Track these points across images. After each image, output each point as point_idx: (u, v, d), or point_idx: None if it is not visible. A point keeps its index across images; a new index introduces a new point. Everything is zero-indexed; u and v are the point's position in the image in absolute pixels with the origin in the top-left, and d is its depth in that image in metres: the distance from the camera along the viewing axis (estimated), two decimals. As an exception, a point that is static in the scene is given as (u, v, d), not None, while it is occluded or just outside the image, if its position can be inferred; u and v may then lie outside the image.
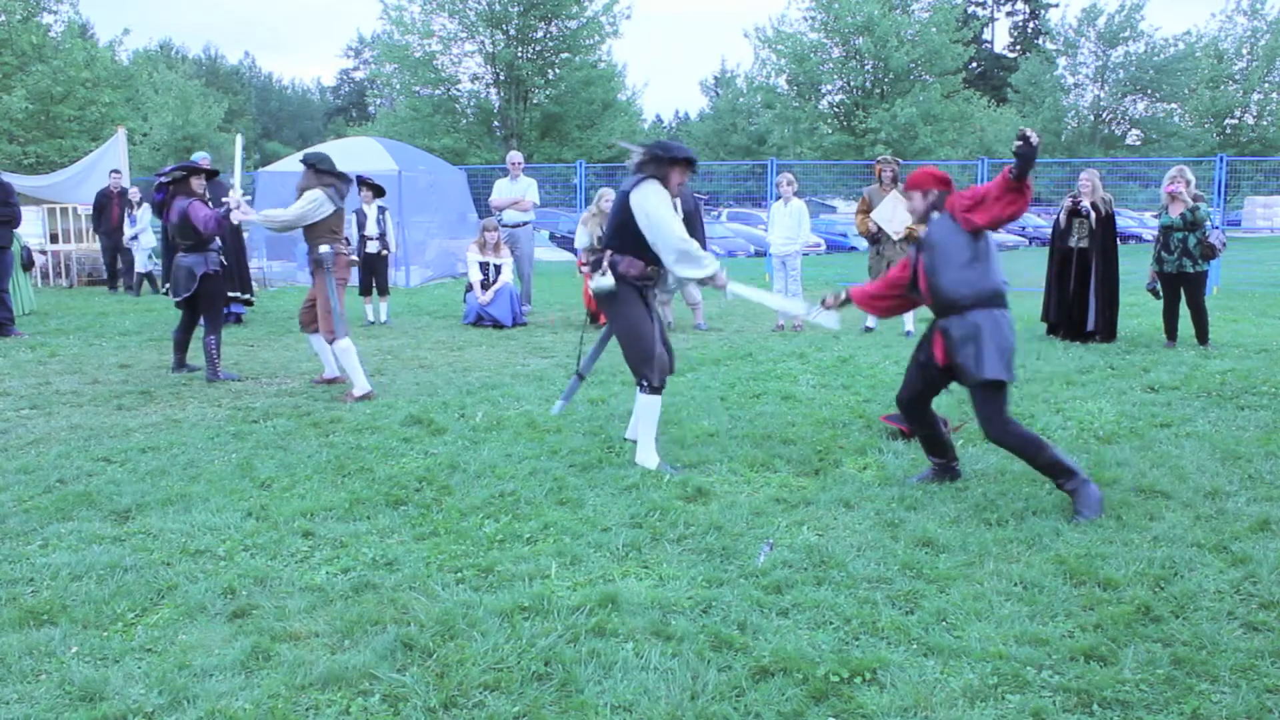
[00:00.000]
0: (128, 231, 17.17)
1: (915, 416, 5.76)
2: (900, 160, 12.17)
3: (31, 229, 17.62)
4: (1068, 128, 46.94)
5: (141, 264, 17.29)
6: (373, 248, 13.04)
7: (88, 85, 28.15)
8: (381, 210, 13.19)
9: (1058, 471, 5.22)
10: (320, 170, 8.13)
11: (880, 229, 11.25)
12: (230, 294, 12.66)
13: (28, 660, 3.63)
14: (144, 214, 16.96)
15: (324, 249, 8.12)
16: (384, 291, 13.23)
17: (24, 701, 3.36)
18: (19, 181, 18.61)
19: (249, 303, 12.84)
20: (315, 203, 8.00)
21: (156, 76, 48.95)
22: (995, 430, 5.28)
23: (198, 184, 8.96)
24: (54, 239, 19.65)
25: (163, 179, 8.99)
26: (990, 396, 5.25)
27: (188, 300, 8.99)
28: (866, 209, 11.49)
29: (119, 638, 3.81)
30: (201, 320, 9.09)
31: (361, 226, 13.04)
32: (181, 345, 9.31)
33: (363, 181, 12.88)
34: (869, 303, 6.07)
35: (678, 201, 6.19)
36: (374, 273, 13.09)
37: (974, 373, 5.23)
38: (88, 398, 8.13)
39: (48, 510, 5.27)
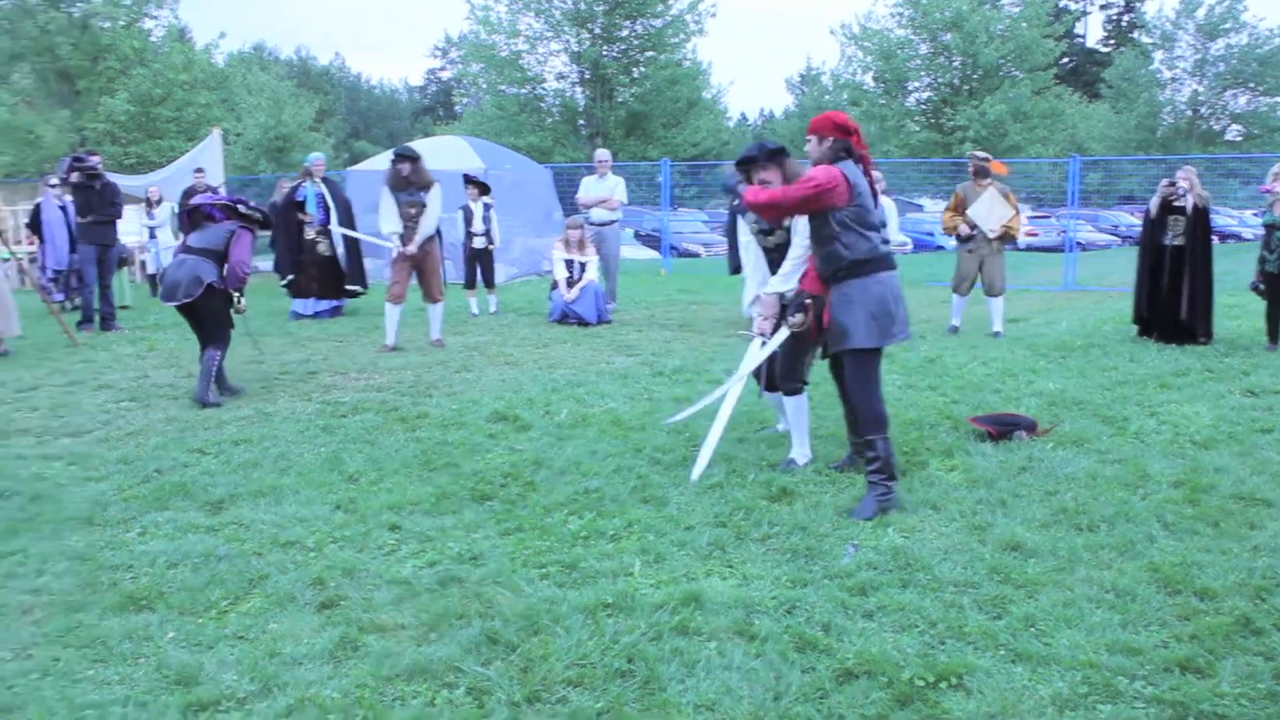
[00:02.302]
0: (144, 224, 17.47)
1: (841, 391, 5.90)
2: (990, 156, 11.91)
3: (131, 227, 18.12)
4: (1163, 124, 45.70)
5: (154, 264, 17.23)
6: (479, 243, 13.59)
7: (185, 87, 28.90)
8: (487, 207, 13.65)
9: (881, 466, 5.26)
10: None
11: (975, 226, 11.08)
12: (347, 287, 13.23)
13: (127, 644, 3.74)
14: (163, 211, 17.28)
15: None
16: (490, 284, 13.86)
17: (124, 683, 3.46)
18: (121, 181, 19.17)
19: (355, 295, 13.48)
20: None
21: (250, 78, 49.96)
22: (860, 392, 5.40)
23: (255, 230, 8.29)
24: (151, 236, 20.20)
25: (240, 209, 8.18)
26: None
27: (187, 309, 7.93)
28: (959, 206, 11.30)
29: (213, 625, 3.91)
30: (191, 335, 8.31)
31: (469, 223, 13.56)
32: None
33: (470, 180, 13.40)
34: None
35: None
36: (481, 266, 13.65)
37: (841, 341, 5.32)
38: (183, 391, 8.34)
39: (146, 499, 5.43)
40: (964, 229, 11.16)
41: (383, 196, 10.23)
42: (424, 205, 10.11)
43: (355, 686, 3.42)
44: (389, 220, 10.15)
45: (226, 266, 7.92)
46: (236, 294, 8.03)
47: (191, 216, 8.19)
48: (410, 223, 10.13)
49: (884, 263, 5.42)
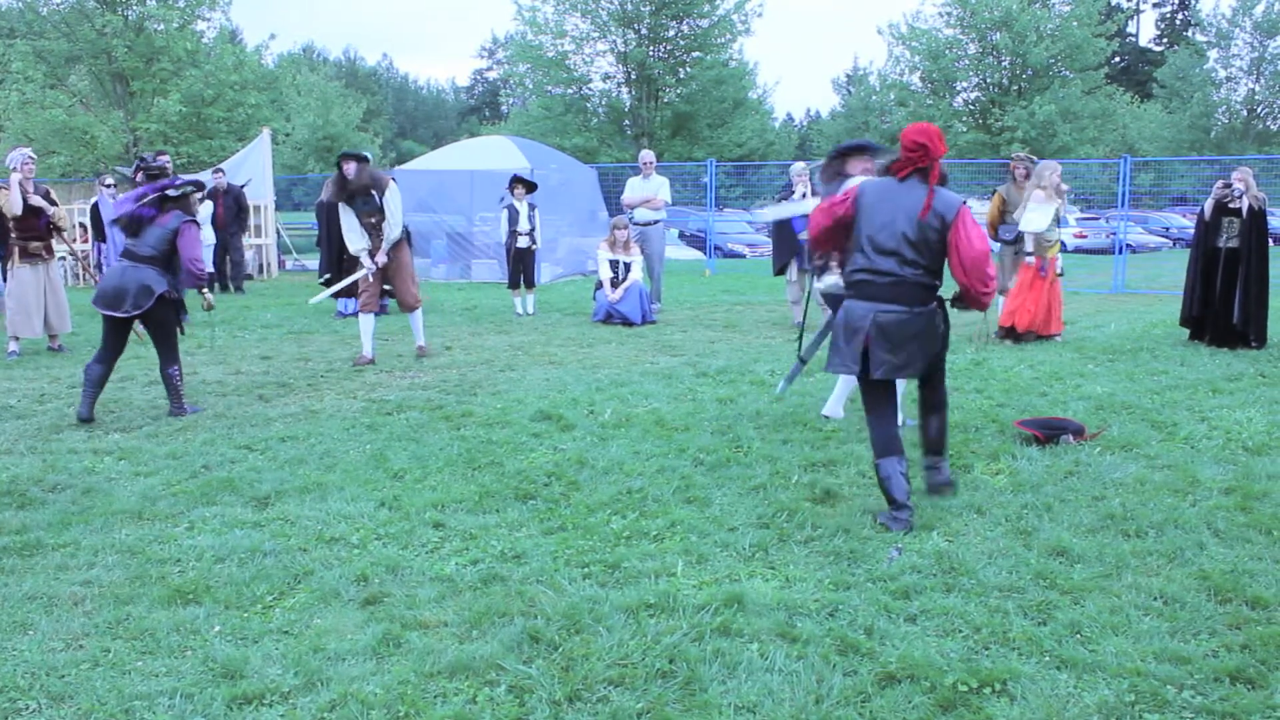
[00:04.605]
0: None
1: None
2: (1035, 158, 11.78)
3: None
4: (1218, 124, 44.99)
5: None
6: (523, 243, 13.58)
7: (236, 88, 29.22)
8: (532, 207, 13.68)
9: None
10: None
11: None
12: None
13: (175, 637, 3.79)
14: (203, 209, 17.47)
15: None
16: (530, 284, 13.82)
17: (171, 675, 3.51)
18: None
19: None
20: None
21: (299, 79, 50.55)
22: None
23: (195, 203, 7.78)
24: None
25: (170, 192, 7.46)
26: None
27: (131, 321, 7.41)
28: (1003, 207, 11.21)
29: (258, 619, 3.95)
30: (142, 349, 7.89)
31: (513, 222, 13.54)
32: (99, 383, 7.34)
33: (518, 180, 13.34)
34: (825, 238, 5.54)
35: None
36: (523, 266, 13.64)
37: None
38: (231, 388, 8.44)
39: (194, 494, 5.50)
40: (1006, 235, 11.12)
41: (341, 212, 9.57)
42: (382, 211, 9.46)
43: (397, 683, 3.44)
44: (354, 238, 9.52)
45: (181, 268, 7.40)
46: (204, 291, 7.71)
47: (129, 224, 7.45)
48: (373, 231, 9.52)
49: None
